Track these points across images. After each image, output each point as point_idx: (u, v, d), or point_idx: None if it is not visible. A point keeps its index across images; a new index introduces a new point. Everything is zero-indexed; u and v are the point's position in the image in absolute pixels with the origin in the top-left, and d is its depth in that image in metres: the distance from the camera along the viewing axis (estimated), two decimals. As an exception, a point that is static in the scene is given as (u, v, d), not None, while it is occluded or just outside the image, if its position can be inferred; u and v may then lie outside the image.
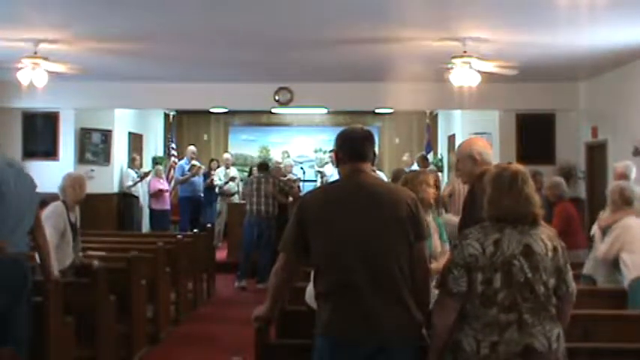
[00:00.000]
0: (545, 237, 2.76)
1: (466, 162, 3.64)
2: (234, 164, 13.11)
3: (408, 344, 2.78)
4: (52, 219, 5.29)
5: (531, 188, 2.80)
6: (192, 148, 12.29)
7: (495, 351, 2.64)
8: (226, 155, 12.98)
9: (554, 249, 2.75)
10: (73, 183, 5.56)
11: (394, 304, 2.77)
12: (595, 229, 5.41)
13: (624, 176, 6.48)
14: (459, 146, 3.93)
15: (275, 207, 9.50)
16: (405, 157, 12.26)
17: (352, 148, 2.99)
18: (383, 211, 2.84)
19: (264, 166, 10.04)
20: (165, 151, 14.18)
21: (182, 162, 12.22)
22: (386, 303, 2.76)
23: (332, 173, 11.87)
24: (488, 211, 2.80)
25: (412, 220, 2.85)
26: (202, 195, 12.12)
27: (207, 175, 12.29)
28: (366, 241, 2.80)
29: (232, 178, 12.10)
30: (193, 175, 11.74)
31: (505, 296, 2.66)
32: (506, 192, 2.78)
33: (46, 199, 6.71)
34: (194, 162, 11.88)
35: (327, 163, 13.08)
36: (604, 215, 5.38)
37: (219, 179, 12.15)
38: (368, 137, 3.02)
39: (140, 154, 12.66)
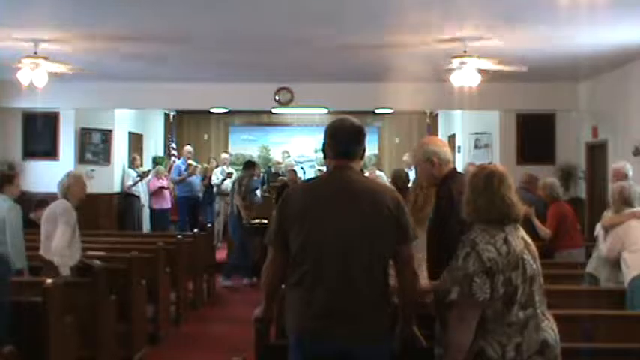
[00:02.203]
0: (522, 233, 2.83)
1: (424, 166, 3.43)
2: (233, 164, 13.10)
3: (376, 343, 2.78)
4: (64, 215, 5.32)
5: (508, 189, 2.78)
6: (188, 147, 12.27)
7: (520, 352, 2.65)
8: (224, 155, 12.98)
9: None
10: (78, 181, 5.60)
11: (365, 303, 2.77)
12: (598, 229, 5.41)
13: (622, 176, 6.50)
14: (414, 150, 3.74)
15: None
16: (405, 157, 12.25)
17: (338, 145, 2.94)
18: (361, 210, 2.82)
19: (246, 165, 10.16)
20: (165, 151, 14.19)
21: (179, 162, 12.20)
22: (355, 301, 2.76)
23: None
24: (465, 211, 2.81)
25: (393, 221, 2.83)
26: (200, 195, 12.11)
27: (204, 176, 12.28)
28: (341, 238, 2.79)
29: (229, 174, 12.08)
30: (190, 175, 11.73)
31: (522, 292, 2.68)
32: (482, 192, 2.77)
33: (46, 199, 6.72)
34: (190, 162, 11.87)
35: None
36: (607, 215, 5.38)
37: (217, 179, 12.15)
38: (356, 134, 2.95)
39: (140, 154, 12.66)
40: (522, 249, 2.71)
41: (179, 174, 11.73)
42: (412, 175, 11.18)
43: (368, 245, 2.80)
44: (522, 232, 2.82)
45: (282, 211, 2.91)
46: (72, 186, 5.49)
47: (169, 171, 12.84)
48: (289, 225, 2.86)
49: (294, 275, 2.85)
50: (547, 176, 7.85)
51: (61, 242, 5.26)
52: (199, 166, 12.18)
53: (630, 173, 6.58)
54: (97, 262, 5.46)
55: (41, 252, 5.40)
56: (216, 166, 12.70)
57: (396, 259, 2.88)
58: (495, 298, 2.67)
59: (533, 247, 2.80)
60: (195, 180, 11.92)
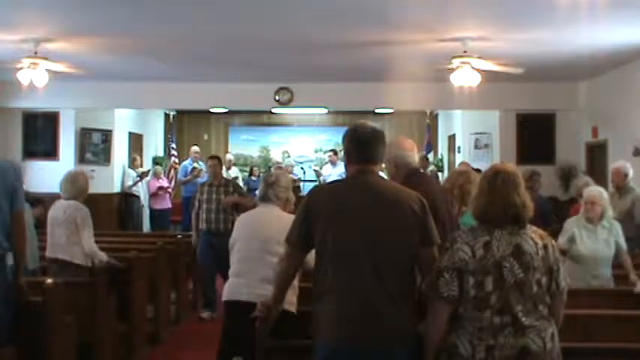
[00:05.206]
0: (535, 236, 2.75)
1: (388, 166, 3.52)
2: (234, 164, 13.08)
3: (408, 345, 2.78)
4: (87, 219, 5.34)
5: (513, 189, 2.75)
6: (195, 148, 12.24)
7: (491, 355, 2.63)
8: (228, 156, 12.93)
9: (545, 247, 2.73)
10: (87, 180, 5.60)
11: (395, 305, 2.76)
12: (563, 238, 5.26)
13: (622, 176, 6.54)
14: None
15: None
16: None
17: (362, 150, 2.95)
18: (388, 214, 2.83)
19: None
20: (165, 151, 14.19)
21: (185, 162, 12.17)
22: (388, 304, 2.75)
23: (330, 173, 11.89)
24: (472, 211, 2.82)
25: (418, 224, 2.83)
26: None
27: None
28: (372, 242, 2.79)
29: (235, 179, 12.05)
30: (195, 177, 11.73)
31: (497, 299, 2.65)
32: (485, 192, 2.77)
33: (42, 199, 6.70)
34: (196, 164, 11.86)
35: (325, 163, 13.09)
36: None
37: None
38: (377, 138, 2.97)
39: (140, 154, 12.68)
40: (506, 256, 2.66)
41: (185, 174, 11.72)
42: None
43: (395, 248, 2.80)
44: (533, 235, 2.73)
45: (308, 212, 2.90)
46: (84, 186, 5.51)
47: (169, 171, 12.87)
48: (316, 226, 2.85)
49: (322, 284, 2.83)
50: (548, 176, 7.84)
51: (92, 245, 5.34)
52: (203, 168, 12.16)
53: (630, 173, 6.60)
54: (104, 257, 5.45)
55: (56, 254, 5.34)
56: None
57: (419, 262, 2.86)
58: (466, 299, 2.67)
59: (535, 253, 2.69)
60: (201, 180, 11.89)
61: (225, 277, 4.24)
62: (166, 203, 12.02)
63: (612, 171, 6.84)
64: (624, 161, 6.93)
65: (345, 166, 3.08)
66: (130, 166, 11.95)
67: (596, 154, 10.07)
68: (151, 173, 12.24)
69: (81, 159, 11.27)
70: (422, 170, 3.66)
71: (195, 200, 7.70)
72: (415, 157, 3.60)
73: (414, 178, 3.47)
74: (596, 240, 5.05)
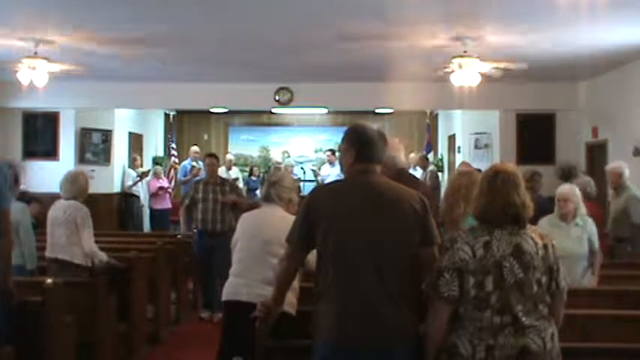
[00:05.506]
0: (535, 235, 2.75)
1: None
2: (235, 164, 13.08)
3: (409, 346, 2.78)
4: (87, 219, 5.35)
5: (513, 189, 2.74)
6: (195, 148, 12.23)
7: (491, 354, 2.63)
8: (229, 156, 12.90)
9: (545, 247, 2.73)
10: (87, 180, 5.59)
11: (396, 305, 2.76)
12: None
13: (617, 176, 6.55)
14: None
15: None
16: (412, 155, 12.23)
17: (366, 149, 2.95)
18: (389, 213, 2.83)
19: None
20: (165, 151, 14.19)
21: (185, 162, 12.16)
22: (388, 305, 2.75)
23: (328, 173, 11.89)
24: (472, 211, 2.82)
25: (419, 223, 2.83)
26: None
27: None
28: (373, 242, 2.78)
29: (235, 180, 12.05)
30: (194, 177, 11.72)
31: (497, 298, 2.65)
32: (485, 192, 2.77)
33: (37, 197, 6.69)
34: (195, 164, 11.86)
35: (323, 163, 13.11)
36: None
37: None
38: (380, 138, 2.99)
39: (140, 154, 12.68)
40: (506, 256, 2.66)
41: (185, 174, 11.72)
42: (418, 174, 11.14)
43: (395, 248, 2.80)
44: (533, 234, 2.73)
45: (310, 212, 2.90)
46: (84, 186, 5.51)
47: (169, 171, 12.86)
48: (317, 226, 2.84)
49: (323, 284, 2.83)
50: (548, 176, 7.84)
51: (92, 245, 5.34)
52: (202, 167, 12.15)
53: (626, 172, 6.63)
54: (104, 257, 5.45)
55: (56, 254, 5.34)
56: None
57: (419, 262, 2.85)
58: (467, 299, 2.67)
59: (535, 252, 2.69)
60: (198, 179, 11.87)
61: (224, 277, 4.23)
62: (166, 203, 12.02)
63: (608, 172, 6.88)
64: (620, 161, 6.98)
65: (341, 166, 3.07)
66: (130, 166, 11.95)
67: (596, 154, 10.06)
68: (151, 173, 12.24)
69: (81, 159, 11.27)
70: (422, 170, 3.71)
71: (186, 197, 7.53)
72: (403, 158, 3.69)
73: (404, 177, 3.48)
74: (567, 238, 5.02)
